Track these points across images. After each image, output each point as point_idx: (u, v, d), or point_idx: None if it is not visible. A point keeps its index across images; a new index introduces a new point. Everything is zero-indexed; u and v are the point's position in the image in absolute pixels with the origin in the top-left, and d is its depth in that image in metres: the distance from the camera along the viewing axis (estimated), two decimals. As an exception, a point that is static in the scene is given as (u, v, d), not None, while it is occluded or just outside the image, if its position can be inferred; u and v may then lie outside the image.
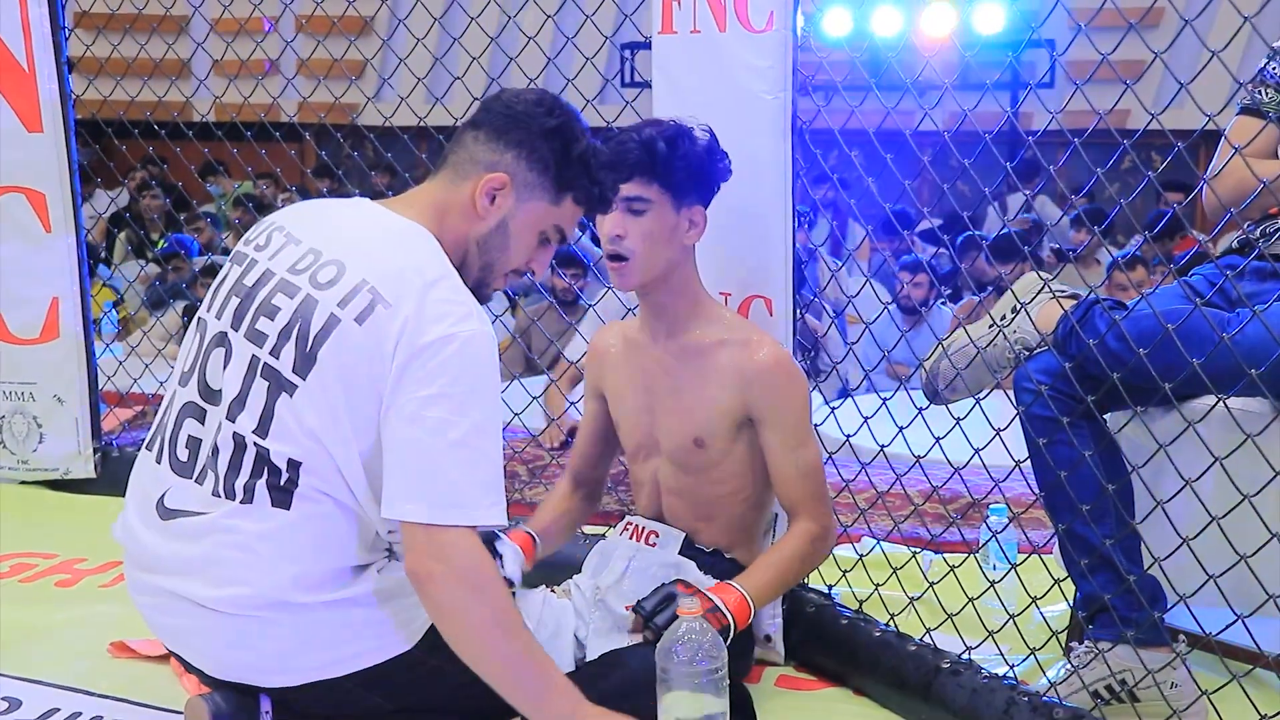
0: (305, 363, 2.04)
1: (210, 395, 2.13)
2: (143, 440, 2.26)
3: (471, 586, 2.02)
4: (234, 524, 2.06)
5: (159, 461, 2.17)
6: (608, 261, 2.51)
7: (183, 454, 2.14)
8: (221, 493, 2.07)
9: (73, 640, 2.86)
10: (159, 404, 2.29)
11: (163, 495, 2.14)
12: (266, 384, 2.06)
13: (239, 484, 2.06)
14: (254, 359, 2.08)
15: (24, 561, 3.40)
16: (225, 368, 2.11)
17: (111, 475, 3.87)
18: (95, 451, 4.00)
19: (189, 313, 5.60)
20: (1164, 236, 7.18)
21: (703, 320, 2.56)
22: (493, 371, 2.05)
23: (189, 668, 2.23)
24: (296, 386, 2.04)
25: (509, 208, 2.17)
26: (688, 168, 2.46)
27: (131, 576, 2.21)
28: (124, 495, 2.26)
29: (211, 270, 6.62)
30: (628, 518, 2.72)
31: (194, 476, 2.11)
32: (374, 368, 2.01)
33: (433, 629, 2.14)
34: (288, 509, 2.04)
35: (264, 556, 2.05)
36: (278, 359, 2.06)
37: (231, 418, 2.08)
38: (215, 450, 2.09)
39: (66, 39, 3.90)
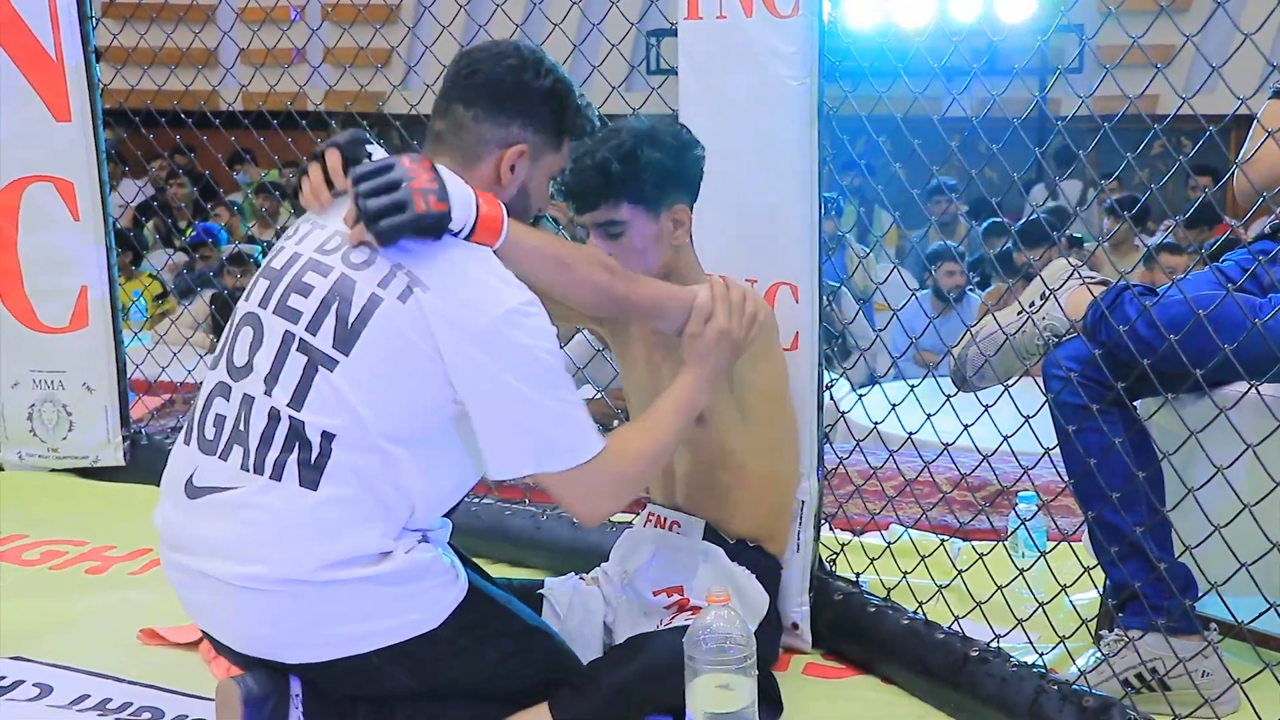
0: (347, 339, 2.07)
1: (235, 371, 2.15)
2: (172, 427, 2.28)
3: (620, 490, 2.22)
4: (261, 500, 2.07)
5: (188, 443, 2.20)
6: None
7: (210, 432, 2.16)
8: (251, 467, 2.09)
9: (103, 627, 2.88)
10: (187, 392, 2.31)
11: (191, 475, 2.16)
12: (305, 359, 2.08)
13: (269, 459, 2.07)
14: (288, 334, 2.10)
15: (54, 549, 3.42)
16: (255, 344, 2.13)
17: (140, 463, 3.88)
18: (124, 439, 4.01)
19: (216, 301, 5.63)
20: (1201, 224, 7.06)
21: None
22: (549, 328, 2.11)
23: (218, 646, 2.24)
24: (338, 362, 2.06)
25: (527, 171, 2.23)
26: (654, 175, 2.42)
27: (164, 557, 2.24)
28: (152, 482, 2.27)
29: (238, 258, 6.65)
30: (649, 507, 2.71)
31: (218, 453, 2.13)
32: (422, 347, 2.05)
33: (460, 608, 2.15)
34: (315, 489, 2.05)
35: (288, 536, 2.06)
36: (315, 335, 2.08)
37: (268, 391, 2.09)
38: (245, 424, 2.10)
39: (94, 28, 3.91)
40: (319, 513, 2.06)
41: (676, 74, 2.78)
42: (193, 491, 2.15)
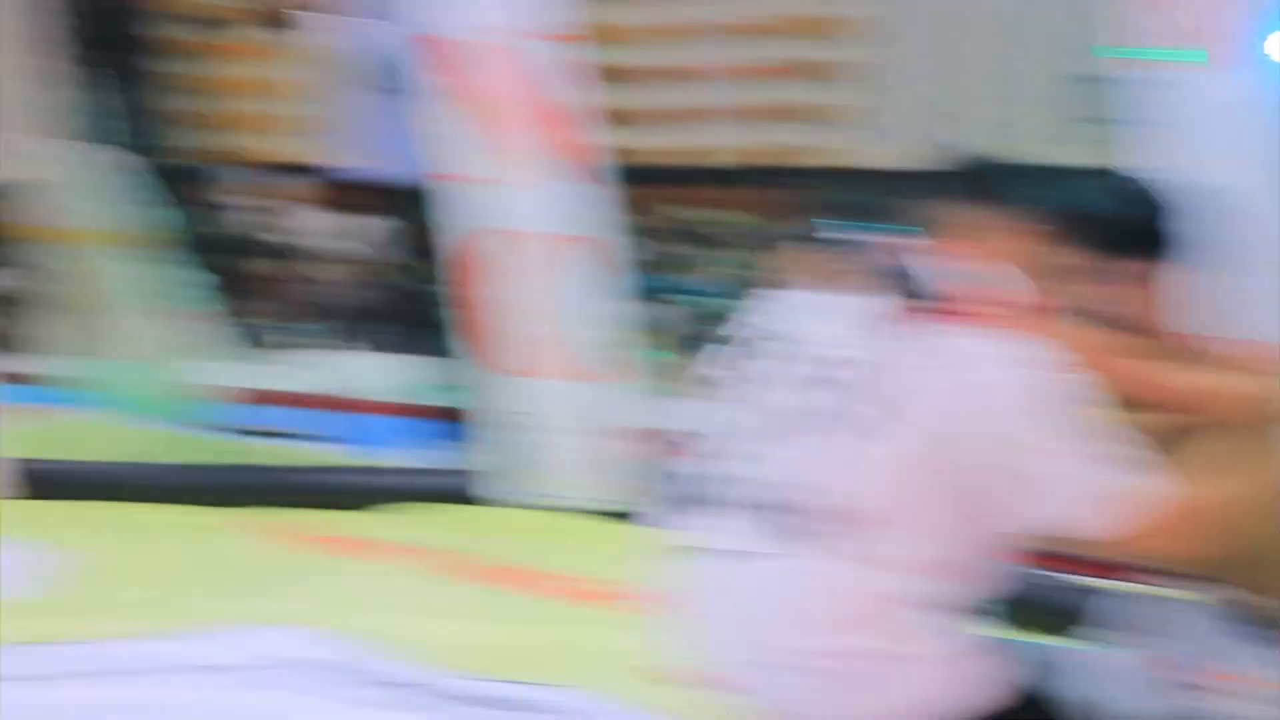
0: (891, 413, 2.03)
1: (752, 434, 2.15)
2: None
3: None
4: (801, 570, 2.06)
5: (698, 506, 2.18)
6: None
7: (722, 493, 2.15)
8: (780, 535, 2.07)
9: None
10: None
11: (712, 537, 2.15)
12: (840, 429, 2.06)
13: (799, 529, 2.06)
14: (817, 405, 2.10)
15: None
16: (774, 408, 2.13)
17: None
18: None
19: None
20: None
21: None
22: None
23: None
24: (881, 435, 2.03)
25: None
26: None
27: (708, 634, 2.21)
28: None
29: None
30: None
31: (737, 516, 2.11)
32: (967, 423, 2.02)
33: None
34: (848, 563, 2.03)
35: (831, 609, 2.05)
36: (853, 406, 2.06)
37: (795, 458, 2.08)
38: (767, 490, 2.10)
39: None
40: (855, 586, 2.03)
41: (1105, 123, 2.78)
42: (720, 556, 2.13)
